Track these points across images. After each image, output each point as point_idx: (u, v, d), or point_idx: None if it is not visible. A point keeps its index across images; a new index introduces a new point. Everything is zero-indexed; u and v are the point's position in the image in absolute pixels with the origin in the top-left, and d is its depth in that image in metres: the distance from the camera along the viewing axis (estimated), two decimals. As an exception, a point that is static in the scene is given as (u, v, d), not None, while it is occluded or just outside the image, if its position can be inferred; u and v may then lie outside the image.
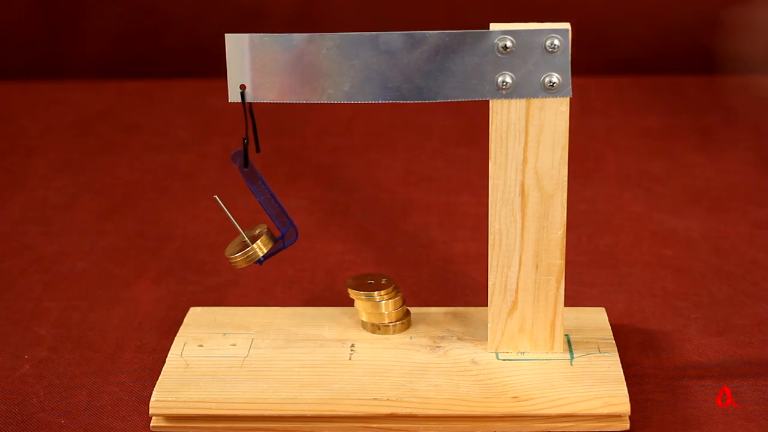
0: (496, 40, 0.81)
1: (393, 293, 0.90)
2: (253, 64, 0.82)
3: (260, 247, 0.88)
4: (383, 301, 0.89)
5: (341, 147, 1.35)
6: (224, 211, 0.88)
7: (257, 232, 0.88)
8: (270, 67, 0.82)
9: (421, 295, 0.92)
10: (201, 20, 1.61)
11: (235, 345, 0.89)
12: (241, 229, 0.88)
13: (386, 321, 0.90)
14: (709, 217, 1.14)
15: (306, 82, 0.83)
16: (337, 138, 1.37)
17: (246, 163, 0.85)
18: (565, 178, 0.83)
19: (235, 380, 0.85)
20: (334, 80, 0.82)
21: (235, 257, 0.88)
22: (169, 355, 0.88)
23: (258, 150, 0.86)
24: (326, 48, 0.82)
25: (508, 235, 0.84)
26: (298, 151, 1.35)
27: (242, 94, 0.83)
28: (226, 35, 0.82)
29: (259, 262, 0.88)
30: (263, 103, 0.84)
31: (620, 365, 0.85)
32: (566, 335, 0.88)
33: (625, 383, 0.83)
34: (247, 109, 0.84)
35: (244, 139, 0.85)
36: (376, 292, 0.89)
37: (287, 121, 1.41)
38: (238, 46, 0.82)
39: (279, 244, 0.88)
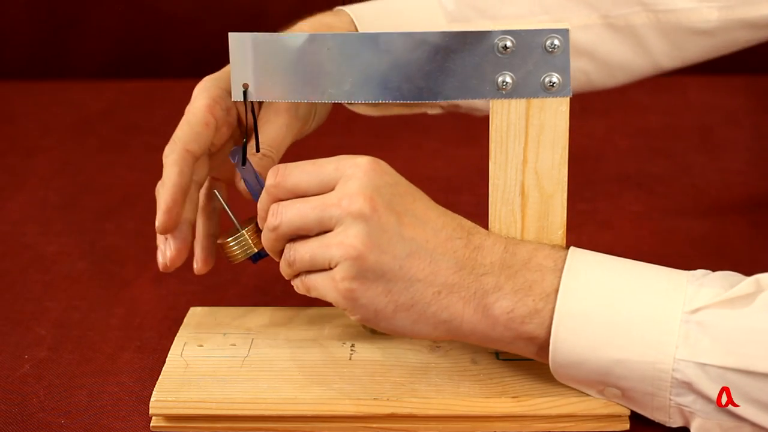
0: (496, 40, 0.81)
1: None
2: (255, 64, 0.83)
3: (251, 235, 0.87)
4: None
5: (341, 147, 1.34)
6: (223, 205, 0.88)
7: (248, 221, 0.88)
8: (272, 66, 0.82)
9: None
10: (201, 20, 1.61)
11: (235, 345, 0.89)
12: (234, 219, 0.88)
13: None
14: (709, 217, 1.14)
15: (307, 82, 0.83)
16: (337, 138, 1.37)
17: (244, 161, 0.85)
18: (565, 178, 0.83)
19: (235, 380, 0.85)
20: (334, 80, 0.82)
21: (229, 244, 0.87)
22: (169, 355, 0.88)
23: (258, 150, 0.86)
24: (327, 48, 0.82)
25: (508, 235, 0.84)
26: (298, 151, 1.35)
27: (245, 93, 0.83)
28: (230, 34, 0.82)
29: (255, 259, 0.88)
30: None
31: (620, 365, 0.85)
32: (566, 335, 0.88)
33: (625, 383, 0.83)
34: (249, 108, 0.84)
35: (243, 138, 0.85)
36: None
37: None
38: (241, 45, 0.82)
39: None
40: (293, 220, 0.80)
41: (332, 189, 0.79)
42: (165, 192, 0.85)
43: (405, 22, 0.99)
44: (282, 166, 0.81)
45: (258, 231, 0.87)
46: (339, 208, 0.78)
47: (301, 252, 0.81)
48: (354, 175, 0.79)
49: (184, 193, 0.86)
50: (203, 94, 0.88)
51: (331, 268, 0.79)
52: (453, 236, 0.80)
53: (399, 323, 0.80)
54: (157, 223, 0.85)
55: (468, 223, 0.81)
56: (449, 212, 0.82)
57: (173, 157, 0.86)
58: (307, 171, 0.80)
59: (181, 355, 0.88)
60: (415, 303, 0.79)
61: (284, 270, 0.83)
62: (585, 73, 1.03)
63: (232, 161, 0.86)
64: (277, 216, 0.81)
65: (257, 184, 0.86)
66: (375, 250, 0.78)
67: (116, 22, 1.62)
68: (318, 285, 0.81)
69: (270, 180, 0.81)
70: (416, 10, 1.00)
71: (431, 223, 0.80)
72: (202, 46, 1.56)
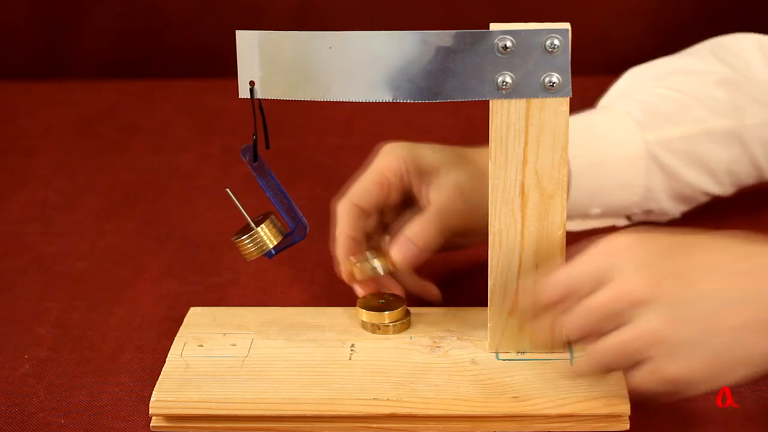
0: (496, 40, 0.81)
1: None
2: (261, 61, 0.83)
3: (265, 231, 0.87)
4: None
5: (341, 147, 1.35)
6: (236, 203, 0.88)
7: (261, 218, 0.88)
8: (277, 64, 0.83)
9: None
10: (201, 20, 1.61)
11: (235, 345, 0.89)
12: (247, 216, 0.88)
13: (386, 321, 0.90)
14: (709, 217, 1.14)
15: (310, 80, 0.83)
16: (337, 138, 1.37)
17: (255, 157, 0.86)
18: (565, 178, 0.83)
19: (235, 380, 0.85)
20: (335, 79, 0.82)
21: (245, 242, 0.87)
22: (169, 355, 0.88)
23: (267, 146, 0.86)
24: (328, 46, 0.82)
25: (508, 235, 0.84)
26: (298, 151, 1.35)
27: (251, 90, 0.83)
28: (237, 32, 0.83)
29: (270, 255, 0.88)
30: (267, 101, 0.84)
31: (620, 365, 0.85)
32: (566, 335, 0.88)
33: (625, 383, 0.82)
34: (257, 105, 0.84)
35: (253, 134, 0.85)
36: (386, 312, 0.90)
37: (287, 121, 1.41)
38: (248, 43, 0.83)
39: (289, 240, 0.88)
40: (583, 323, 0.78)
41: (605, 284, 0.77)
42: (339, 244, 0.93)
43: (599, 133, 1.03)
44: (552, 282, 0.80)
45: (272, 227, 0.87)
46: (622, 301, 0.76)
47: (603, 354, 0.78)
48: (620, 263, 0.76)
49: (358, 243, 0.93)
50: (386, 156, 0.95)
51: (640, 363, 0.77)
52: (753, 266, 0.76)
53: (740, 375, 0.77)
54: (341, 275, 0.93)
55: (753, 247, 0.77)
56: (730, 243, 0.78)
57: (343, 211, 0.93)
58: (576, 274, 0.78)
59: (181, 355, 0.88)
60: (749, 353, 0.76)
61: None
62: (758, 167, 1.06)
63: (243, 159, 0.86)
64: (569, 325, 0.79)
65: (270, 181, 0.86)
66: (676, 324, 0.75)
67: (116, 22, 1.62)
68: (637, 381, 0.78)
69: (549, 296, 0.80)
70: (607, 123, 1.04)
71: (722, 267, 0.76)
72: (202, 46, 1.56)
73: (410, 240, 0.90)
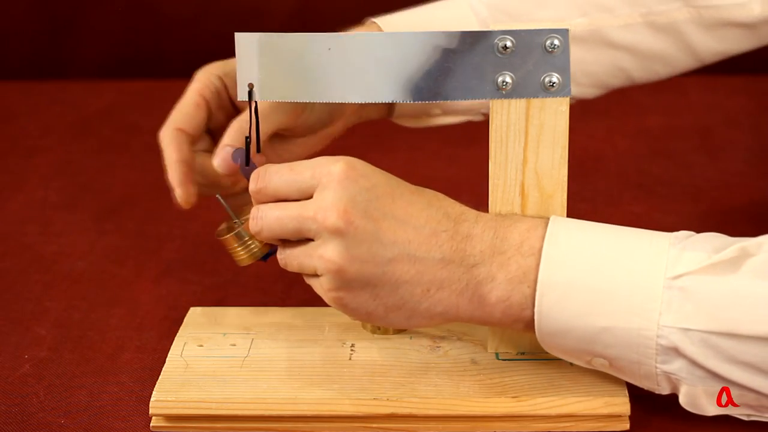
0: (495, 40, 0.81)
1: None
2: (261, 63, 0.83)
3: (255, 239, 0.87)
4: None
5: (341, 147, 1.34)
6: (227, 209, 0.88)
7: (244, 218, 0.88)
8: (277, 66, 0.83)
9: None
10: (201, 20, 1.61)
11: (235, 345, 0.89)
12: (239, 221, 0.88)
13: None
14: (709, 217, 1.14)
15: (310, 82, 0.83)
16: (337, 138, 1.37)
17: (247, 161, 0.86)
18: (565, 178, 0.83)
19: (235, 380, 0.85)
20: (335, 80, 0.82)
21: (237, 248, 0.87)
22: (169, 355, 0.88)
23: (259, 150, 0.86)
24: (328, 48, 0.82)
25: (508, 235, 0.84)
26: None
27: (250, 93, 0.83)
28: (236, 34, 0.83)
29: (264, 259, 0.88)
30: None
31: (620, 365, 0.85)
32: (566, 335, 0.88)
33: (625, 383, 0.83)
34: (253, 108, 0.84)
35: (246, 138, 0.85)
36: None
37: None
38: (247, 45, 0.82)
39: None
40: (273, 228, 0.81)
41: (311, 195, 0.80)
42: (170, 170, 0.89)
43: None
44: (263, 170, 0.82)
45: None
46: (315, 222, 0.79)
47: (290, 258, 0.82)
48: (328, 185, 0.79)
49: (188, 166, 0.89)
50: (195, 80, 0.93)
51: (318, 275, 0.81)
52: (438, 230, 0.80)
53: (393, 321, 0.81)
54: (178, 200, 0.90)
55: (455, 210, 0.81)
56: (435, 201, 0.81)
57: (167, 138, 0.90)
58: (285, 178, 0.81)
59: (181, 355, 0.88)
60: (405, 303, 0.80)
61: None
62: (624, 69, 1.03)
63: (235, 162, 0.86)
64: (258, 222, 0.82)
65: None
66: (355, 262, 0.78)
67: (116, 22, 1.62)
68: (314, 287, 0.83)
69: (252, 185, 0.82)
70: (449, 19, 1.00)
71: (413, 221, 0.80)
72: (202, 46, 1.56)
73: (227, 145, 0.88)
